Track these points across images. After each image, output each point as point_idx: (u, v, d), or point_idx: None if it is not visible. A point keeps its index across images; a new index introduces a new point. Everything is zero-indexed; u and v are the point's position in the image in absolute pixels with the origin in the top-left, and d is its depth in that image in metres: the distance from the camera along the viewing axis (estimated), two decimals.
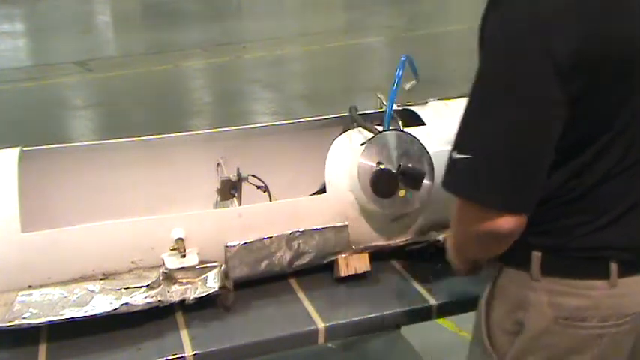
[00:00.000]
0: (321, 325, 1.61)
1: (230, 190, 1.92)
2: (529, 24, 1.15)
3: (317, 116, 2.06)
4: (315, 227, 1.72)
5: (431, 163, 1.71)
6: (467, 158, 1.19)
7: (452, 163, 1.22)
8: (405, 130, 1.77)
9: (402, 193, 1.69)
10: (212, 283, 1.61)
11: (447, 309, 1.73)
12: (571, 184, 1.24)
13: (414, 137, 1.73)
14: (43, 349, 1.54)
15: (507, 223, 1.20)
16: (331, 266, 1.77)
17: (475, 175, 1.20)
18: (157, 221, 1.66)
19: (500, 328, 1.36)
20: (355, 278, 1.76)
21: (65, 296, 1.53)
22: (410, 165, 1.68)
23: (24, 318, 1.49)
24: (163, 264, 1.60)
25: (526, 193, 1.20)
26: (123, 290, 1.55)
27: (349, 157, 1.76)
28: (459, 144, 1.21)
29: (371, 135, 1.74)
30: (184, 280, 1.61)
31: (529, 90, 1.16)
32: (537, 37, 1.14)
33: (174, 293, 1.59)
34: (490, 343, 1.37)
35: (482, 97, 1.21)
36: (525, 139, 1.17)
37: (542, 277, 1.28)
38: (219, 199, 1.95)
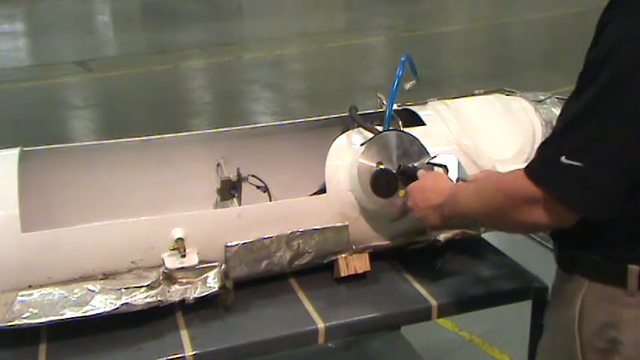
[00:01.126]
0: (321, 325, 1.61)
1: (230, 190, 1.92)
2: None
3: (317, 116, 2.06)
4: (315, 227, 1.72)
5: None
6: (577, 167, 1.16)
7: (556, 163, 1.18)
8: (405, 130, 1.77)
9: (402, 193, 1.69)
10: (212, 283, 1.61)
11: (447, 309, 1.73)
12: None
13: (414, 137, 1.73)
14: (43, 349, 1.54)
15: (568, 222, 1.21)
16: (331, 266, 1.77)
17: (582, 185, 1.17)
18: (157, 221, 1.66)
19: (592, 348, 1.30)
20: (355, 278, 1.76)
21: (65, 296, 1.53)
22: (410, 165, 1.68)
23: (24, 318, 1.49)
24: (163, 264, 1.60)
25: (617, 204, 1.19)
26: (123, 290, 1.55)
27: (349, 157, 1.76)
28: (570, 147, 1.17)
29: (371, 135, 1.74)
30: (184, 280, 1.61)
31: None
32: None
33: (174, 293, 1.59)
34: None
35: (607, 105, 1.15)
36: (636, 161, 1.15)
37: (638, 292, 1.23)
38: (219, 199, 1.96)
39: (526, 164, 1.25)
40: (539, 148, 1.26)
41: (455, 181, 1.57)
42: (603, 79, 1.14)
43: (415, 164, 1.68)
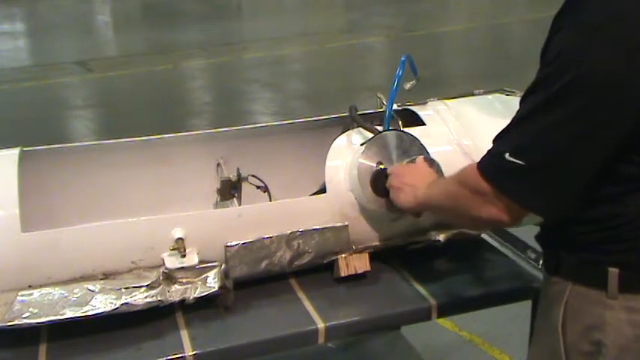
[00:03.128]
0: (321, 325, 1.61)
1: (230, 190, 1.92)
2: (627, 52, 1.13)
3: (317, 116, 2.06)
4: (315, 227, 1.72)
5: None
6: (520, 165, 1.19)
7: (500, 159, 1.22)
8: (405, 130, 1.77)
9: None
10: (212, 283, 1.61)
11: (447, 309, 1.73)
12: None
13: (414, 137, 1.73)
14: (43, 349, 1.54)
15: (523, 216, 1.25)
16: (331, 266, 1.77)
17: (524, 182, 1.21)
18: (157, 221, 1.66)
19: (576, 350, 1.31)
20: (355, 278, 1.76)
21: (65, 296, 1.53)
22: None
23: (24, 318, 1.48)
24: (163, 264, 1.60)
25: (566, 202, 1.22)
26: (123, 290, 1.55)
27: (349, 157, 1.76)
28: (514, 146, 1.21)
29: (371, 135, 1.74)
30: (184, 280, 1.61)
31: (606, 112, 1.15)
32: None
33: (174, 293, 1.59)
34: None
35: (551, 108, 1.18)
36: (586, 159, 1.18)
37: (619, 295, 1.24)
38: (219, 199, 1.96)
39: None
40: (493, 142, 1.29)
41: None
42: (551, 84, 1.17)
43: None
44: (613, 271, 1.24)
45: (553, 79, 1.18)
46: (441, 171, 1.64)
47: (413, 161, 1.66)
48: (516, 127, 1.23)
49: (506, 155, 1.21)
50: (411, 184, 1.56)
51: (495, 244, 1.98)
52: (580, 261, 1.29)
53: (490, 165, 1.26)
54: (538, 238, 1.41)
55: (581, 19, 1.17)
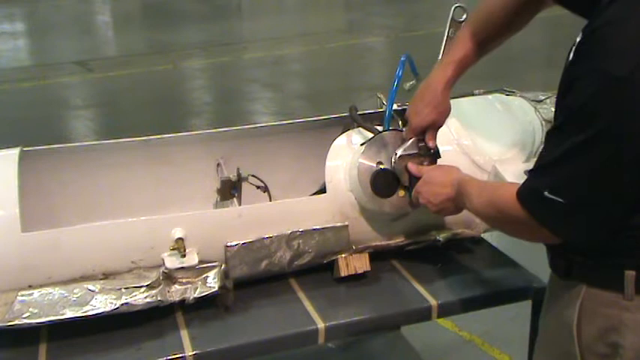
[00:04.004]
0: (321, 325, 1.61)
1: (230, 190, 1.92)
2: None
3: (317, 116, 2.06)
4: (315, 227, 1.72)
5: None
6: (559, 202, 1.22)
7: (541, 196, 1.24)
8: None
9: (402, 193, 1.69)
10: (212, 283, 1.61)
11: (447, 309, 1.73)
12: None
13: (414, 137, 1.73)
14: (43, 349, 1.54)
15: (558, 241, 1.30)
16: (331, 266, 1.77)
17: (564, 218, 1.24)
18: (157, 221, 1.66)
19: (592, 352, 1.31)
20: (355, 278, 1.76)
21: (65, 296, 1.53)
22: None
23: (24, 318, 1.49)
24: (163, 264, 1.60)
25: (605, 231, 1.25)
26: (123, 290, 1.55)
27: (349, 157, 1.76)
28: (552, 185, 1.23)
29: (371, 135, 1.74)
30: (184, 280, 1.61)
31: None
32: None
33: (174, 293, 1.59)
34: None
35: (589, 152, 1.19)
36: (623, 197, 1.21)
37: (636, 296, 1.25)
38: (219, 199, 1.95)
39: (520, 183, 1.31)
40: (529, 173, 1.31)
41: None
42: (581, 131, 1.18)
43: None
44: (630, 274, 1.25)
45: (578, 129, 1.18)
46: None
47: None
48: (555, 164, 1.24)
49: (546, 193, 1.23)
50: (445, 198, 1.56)
51: (495, 244, 1.98)
52: (595, 264, 1.29)
53: (529, 199, 1.28)
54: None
55: (604, 67, 1.15)
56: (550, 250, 1.40)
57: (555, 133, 1.25)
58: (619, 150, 1.16)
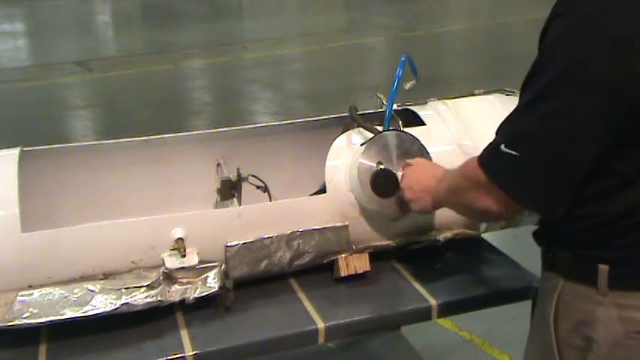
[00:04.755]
0: (321, 325, 1.61)
1: (230, 190, 1.92)
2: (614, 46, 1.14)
3: (317, 116, 2.06)
4: (315, 227, 1.72)
5: None
6: (514, 155, 1.20)
7: (497, 151, 1.23)
8: (405, 130, 1.77)
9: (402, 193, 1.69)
10: (212, 283, 1.61)
11: (447, 309, 1.73)
12: None
13: (414, 137, 1.73)
14: (43, 349, 1.54)
15: (519, 211, 1.27)
16: (331, 266, 1.77)
17: (518, 173, 1.22)
18: (157, 221, 1.66)
19: (568, 345, 1.32)
20: (355, 278, 1.76)
21: (65, 296, 1.53)
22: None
23: (24, 318, 1.49)
24: (163, 264, 1.60)
25: (556, 200, 1.23)
26: (123, 290, 1.55)
27: (349, 157, 1.76)
28: (508, 138, 1.22)
29: (371, 135, 1.74)
30: (184, 280, 1.61)
31: (597, 104, 1.16)
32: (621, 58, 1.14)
33: (174, 293, 1.59)
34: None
35: (546, 98, 1.19)
36: (577, 150, 1.19)
37: (609, 292, 1.26)
38: (219, 199, 1.96)
39: None
40: (496, 132, 1.30)
41: None
42: (546, 73, 1.19)
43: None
44: (603, 268, 1.25)
45: (547, 69, 1.19)
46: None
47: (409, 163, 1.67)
48: (514, 118, 1.24)
49: (502, 146, 1.22)
50: (425, 188, 1.56)
51: (495, 244, 1.98)
52: (572, 257, 1.30)
53: (487, 156, 1.27)
54: (535, 234, 1.42)
55: (575, 7, 1.18)
56: (539, 244, 1.41)
57: (524, 85, 1.25)
58: (579, 95, 1.16)
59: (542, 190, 1.22)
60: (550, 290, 1.34)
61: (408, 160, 1.67)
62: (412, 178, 1.62)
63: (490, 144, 1.28)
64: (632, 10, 1.15)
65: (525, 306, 1.76)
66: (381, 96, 1.93)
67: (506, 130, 1.25)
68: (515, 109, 1.25)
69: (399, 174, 1.67)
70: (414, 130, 1.80)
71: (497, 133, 1.28)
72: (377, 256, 1.80)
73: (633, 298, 1.25)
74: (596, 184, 1.23)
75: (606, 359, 1.28)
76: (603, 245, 1.26)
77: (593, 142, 1.19)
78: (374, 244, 1.79)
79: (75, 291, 1.54)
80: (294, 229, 1.70)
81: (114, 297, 1.54)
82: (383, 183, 1.68)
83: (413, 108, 1.96)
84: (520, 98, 1.25)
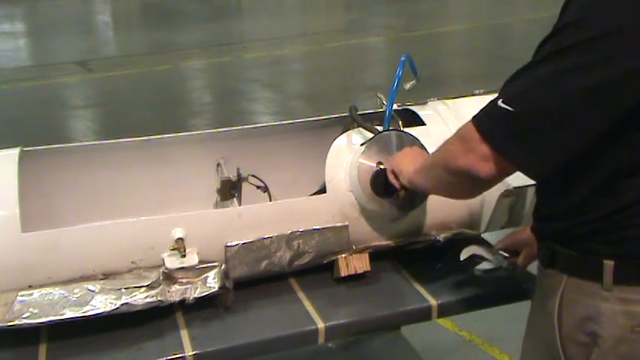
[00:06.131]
0: (321, 325, 1.61)
1: (230, 190, 1.92)
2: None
3: (317, 116, 2.06)
4: (315, 227, 1.72)
5: None
6: (509, 111, 1.17)
7: (493, 105, 1.20)
8: (405, 130, 1.77)
9: (402, 193, 1.69)
10: (212, 283, 1.61)
11: (447, 309, 1.73)
12: None
13: (414, 137, 1.73)
14: (43, 349, 1.54)
15: (500, 172, 1.23)
16: (331, 266, 1.77)
17: (507, 128, 1.19)
18: (157, 221, 1.66)
19: (572, 341, 1.32)
20: (355, 278, 1.76)
21: (65, 296, 1.53)
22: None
23: (24, 318, 1.49)
24: (163, 264, 1.60)
25: (552, 161, 1.20)
26: (123, 290, 1.55)
27: (349, 157, 1.76)
28: (508, 93, 1.19)
29: (371, 135, 1.74)
30: (184, 280, 1.61)
31: (622, 73, 1.12)
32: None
33: (174, 293, 1.59)
34: (565, 356, 1.33)
35: (559, 58, 1.15)
36: (584, 115, 1.15)
37: (614, 287, 1.25)
38: (219, 199, 1.96)
39: None
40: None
41: None
42: (566, 37, 1.15)
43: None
44: (608, 263, 1.24)
45: (568, 34, 1.15)
46: None
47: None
48: (519, 74, 1.21)
49: (500, 102, 1.19)
50: (407, 162, 1.57)
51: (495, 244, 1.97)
52: (575, 253, 1.29)
53: (483, 111, 1.24)
54: (533, 230, 1.42)
55: None
56: (537, 241, 1.40)
57: (540, 45, 1.22)
58: (597, 61, 1.12)
59: (535, 155, 1.19)
60: (552, 287, 1.33)
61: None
62: (397, 158, 1.63)
63: (487, 103, 1.24)
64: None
65: (525, 306, 1.76)
66: (381, 96, 1.93)
67: (509, 86, 1.21)
68: (524, 66, 1.21)
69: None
70: (414, 130, 1.80)
71: (500, 91, 1.24)
72: (377, 256, 1.80)
73: (637, 292, 1.24)
74: (598, 177, 1.22)
75: (611, 354, 1.28)
76: (607, 239, 1.25)
77: (602, 112, 1.15)
78: (374, 244, 1.79)
79: (75, 291, 1.54)
80: (294, 229, 1.70)
81: (114, 297, 1.54)
82: (383, 183, 1.68)
83: (413, 108, 1.96)
84: (532, 58, 1.21)
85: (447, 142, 1.35)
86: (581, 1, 1.17)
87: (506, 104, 1.18)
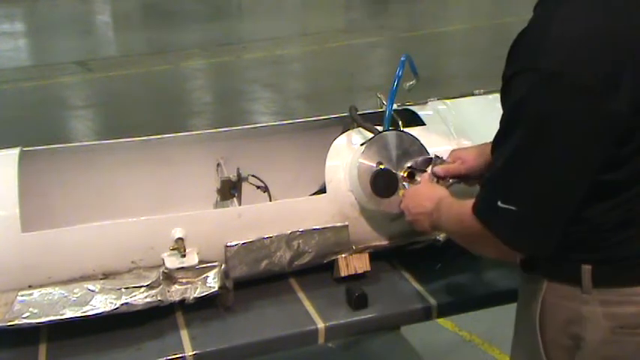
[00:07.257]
0: (321, 325, 1.61)
1: (230, 190, 1.92)
2: (582, 89, 1.16)
3: (317, 116, 2.06)
4: (315, 227, 1.72)
5: None
6: (510, 210, 1.23)
7: (494, 207, 1.25)
8: (405, 130, 1.77)
9: (402, 193, 1.69)
10: (212, 283, 1.61)
11: (447, 309, 1.74)
12: (621, 211, 1.26)
13: (414, 137, 1.73)
14: (43, 349, 1.54)
15: (512, 255, 1.31)
16: (331, 266, 1.77)
17: (516, 226, 1.25)
18: (157, 221, 1.66)
19: (556, 345, 1.34)
20: (355, 278, 1.76)
21: (65, 296, 1.53)
22: (416, 166, 1.69)
23: (24, 318, 1.49)
24: (163, 264, 1.60)
25: (554, 239, 1.26)
26: (123, 290, 1.55)
27: (349, 157, 1.76)
28: (503, 193, 1.24)
29: (371, 135, 1.74)
30: (184, 280, 1.61)
31: (581, 155, 1.19)
32: (592, 100, 1.16)
33: (174, 293, 1.59)
34: None
35: (530, 151, 1.21)
36: (571, 192, 1.22)
37: (593, 290, 1.27)
38: (219, 199, 1.96)
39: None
40: (483, 184, 1.35)
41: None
42: (519, 134, 1.21)
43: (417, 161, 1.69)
44: (586, 268, 1.27)
45: (517, 131, 1.21)
46: (448, 179, 1.67)
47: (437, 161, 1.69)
48: (503, 174, 1.26)
49: (499, 203, 1.24)
50: (423, 211, 1.56)
51: None
52: (554, 259, 1.31)
53: (485, 212, 1.29)
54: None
55: (532, 66, 1.19)
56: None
57: (500, 139, 1.28)
58: (556, 148, 1.18)
59: (543, 237, 1.26)
60: (533, 292, 1.35)
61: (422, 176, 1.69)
62: (410, 199, 1.62)
63: (483, 196, 1.30)
64: (595, 56, 1.16)
65: None
66: (381, 96, 1.93)
67: (500, 184, 1.26)
68: (499, 164, 1.26)
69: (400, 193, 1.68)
70: (414, 130, 1.80)
71: (487, 183, 1.32)
72: (377, 256, 1.80)
73: (616, 294, 1.27)
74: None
75: (594, 356, 1.30)
76: (584, 247, 1.28)
77: (582, 179, 1.22)
78: (374, 244, 1.79)
79: (75, 291, 1.54)
80: (294, 229, 1.70)
81: (114, 297, 1.54)
82: (383, 183, 1.68)
83: (413, 108, 1.96)
84: (500, 152, 1.27)
85: (457, 226, 1.41)
86: (514, 98, 1.23)
87: (506, 204, 1.24)
